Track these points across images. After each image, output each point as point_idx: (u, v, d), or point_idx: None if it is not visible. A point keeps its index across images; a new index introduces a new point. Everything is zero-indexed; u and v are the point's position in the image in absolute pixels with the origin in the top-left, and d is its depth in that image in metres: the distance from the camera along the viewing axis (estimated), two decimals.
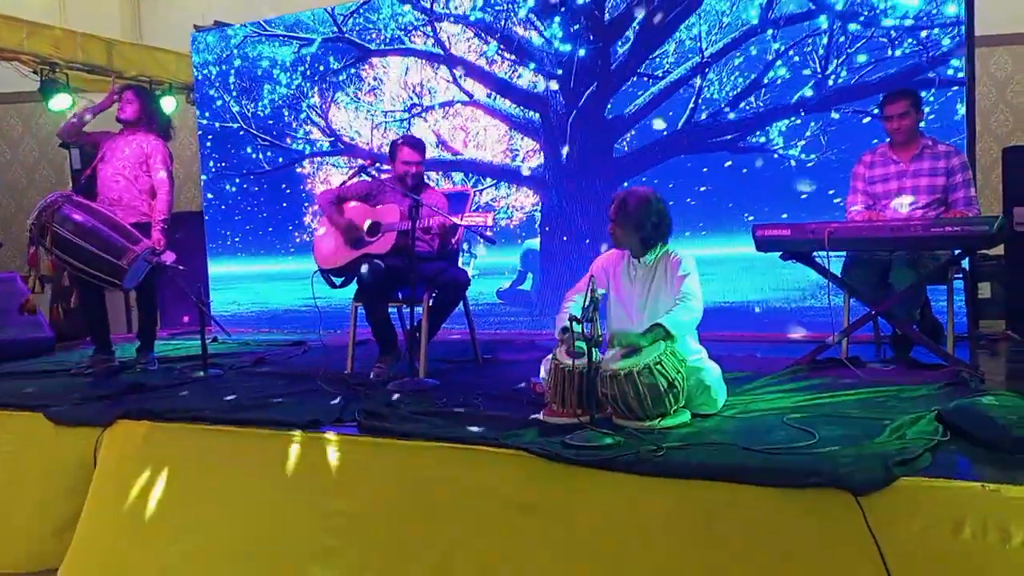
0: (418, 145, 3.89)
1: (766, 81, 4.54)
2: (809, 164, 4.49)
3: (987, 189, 5.23)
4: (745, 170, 4.65)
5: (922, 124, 3.66)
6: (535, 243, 5.22)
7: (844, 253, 3.53)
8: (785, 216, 4.42)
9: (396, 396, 3.14)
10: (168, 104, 6.14)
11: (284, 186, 6.00)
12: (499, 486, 2.31)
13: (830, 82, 4.41)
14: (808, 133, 4.48)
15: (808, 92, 4.44)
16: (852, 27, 4.33)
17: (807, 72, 4.45)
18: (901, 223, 3.26)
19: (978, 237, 3.06)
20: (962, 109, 4.15)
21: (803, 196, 4.52)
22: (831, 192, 4.37)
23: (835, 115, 4.41)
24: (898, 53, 4.26)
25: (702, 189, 4.76)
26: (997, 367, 3.44)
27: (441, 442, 2.46)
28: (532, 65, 5.10)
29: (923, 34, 4.20)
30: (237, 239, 6.21)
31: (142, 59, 6.17)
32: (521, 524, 2.24)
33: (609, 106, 4.94)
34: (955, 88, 4.16)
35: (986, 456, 2.06)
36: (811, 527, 1.94)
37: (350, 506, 2.48)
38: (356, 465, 2.54)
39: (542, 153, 5.17)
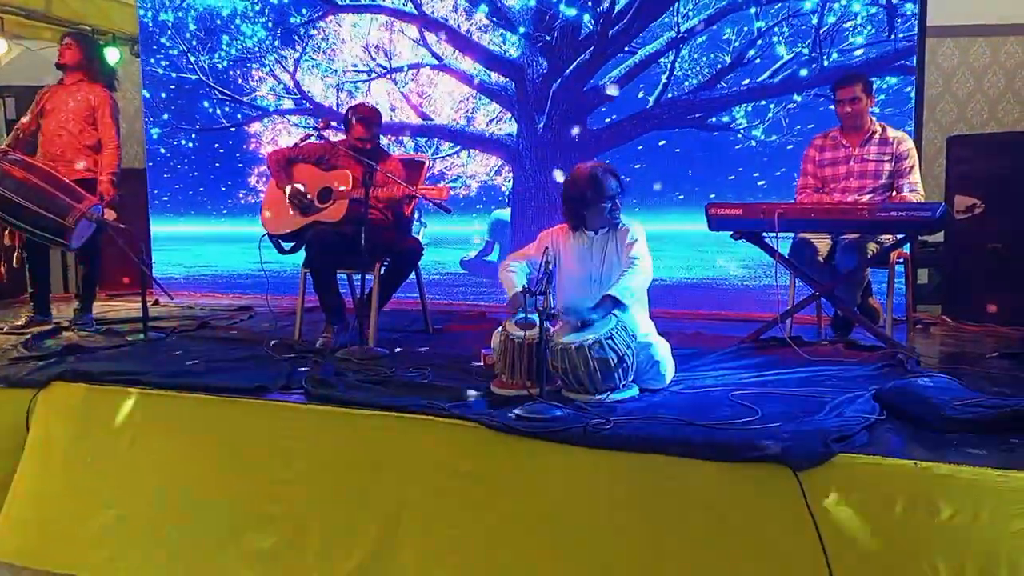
0: (371, 120, 3.77)
1: (745, 61, 4.55)
2: (774, 145, 4.56)
3: (930, 177, 5.37)
4: (739, 147, 4.67)
5: (876, 111, 3.73)
6: (504, 213, 5.18)
7: (792, 234, 3.60)
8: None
9: (344, 364, 3.10)
10: (112, 55, 5.88)
11: (234, 144, 5.82)
12: (446, 456, 2.31)
13: (816, 64, 4.42)
14: (770, 115, 4.53)
15: (798, 73, 4.44)
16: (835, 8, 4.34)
17: (783, 53, 4.47)
18: (848, 206, 3.33)
19: (921, 223, 3.15)
20: (913, 97, 4.25)
21: (761, 182, 4.59)
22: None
23: (797, 97, 4.47)
24: (859, 40, 4.32)
25: (666, 165, 4.78)
26: (932, 350, 3.57)
27: (388, 411, 2.44)
28: (522, 29, 4.95)
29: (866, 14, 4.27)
30: (183, 198, 6.00)
31: (83, 6, 5.89)
32: (467, 493, 2.25)
33: (600, 78, 4.87)
34: (902, 78, 4.25)
35: (919, 435, 2.14)
36: (751, 500, 2.00)
37: (293, 474, 2.45)
38: (301, 433, 2.51)
39: (515, 122, 5.09)
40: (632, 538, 2.08)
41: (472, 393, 2.60)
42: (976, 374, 2.87)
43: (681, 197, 4.75)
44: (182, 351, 3.45)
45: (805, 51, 4.42)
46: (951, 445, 2.02)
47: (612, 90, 4.79)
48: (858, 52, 4.33)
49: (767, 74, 4.52)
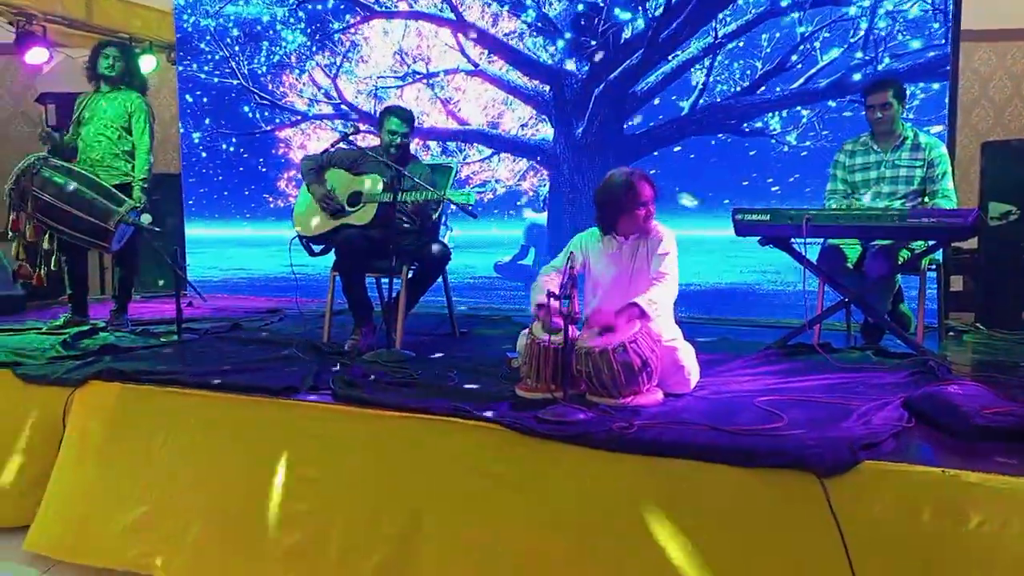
0: (405, 115, 3.84)
1: (788, 66, 4.52)
2: (807, 150, 4.53)
3: (965, 183, 5.30)
4: (754, 152, 4.67)
5: (910, 116, 3.69)
6: (539, 218, 5.20)
7: (821, 240, 3.57)
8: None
9: (371, 366, 3.13)
10: (148, 63, 6.03)
11: (270, 148, 5.91)
12: (470, 458, 2.33)
13: (869, 67, 4.36)
14: (804, 121, 4.51)
15: (850, 77, 4.38)
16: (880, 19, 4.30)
17: (826, 58, 4.44)
18: (878, 212, 3.30)
19: (953, 229, 3.10)
20: (947, 103, 4.20)
21: (774, 188, 4.56)
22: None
23: (831, 103, 4.44)
24: (890, 45, 4.28)
25: (705, 170, 4.76)
26: (963, 358, 3.51)
27: (413, 413, 2.47)
28: (568, 35, 4.95)
29: (898, 24, 4.22)
30: (220, 201, 6.11)
31: (123, 14, 6.04)
32: (490, 495, 2.26)
33: (640, 83, 4.86)
34: (938, 84, 4.20)
35: (948, 443, 2.11)
36: (775, 507, 1.98)
37: (319, 473, 2.49)
38: (328, 433, 2.55)
39: (551, 127, 5.10)
40: (655, 542, 2.07)
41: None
42: (1008, 383, 2.82)
43: (727, 202, 4.70)
44: (214, 352, 3.52)
45: (859, 54, 4.35)
46: (980, 453, 1.99)
47: (646, 89, 4.77)
48: (898, 58, 4.28)
49: (805, 80, 4.47)
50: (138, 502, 2.67)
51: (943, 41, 4.18)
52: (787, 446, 2.06)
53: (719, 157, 4.71)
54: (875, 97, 3.56)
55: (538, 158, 5.15)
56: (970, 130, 5.77)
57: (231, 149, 5.98)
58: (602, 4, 4.83)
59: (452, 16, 5.26)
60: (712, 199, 4.72)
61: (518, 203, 5.25)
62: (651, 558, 2.06)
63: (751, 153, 4.63)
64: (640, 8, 4.76)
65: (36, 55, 5.51)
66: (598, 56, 4.87)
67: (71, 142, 4.23)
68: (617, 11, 4.81)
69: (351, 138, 3.70)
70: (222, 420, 2.71)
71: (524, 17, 5.06)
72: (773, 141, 4.57)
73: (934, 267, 3.65)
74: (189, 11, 5.99)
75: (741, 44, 4.60)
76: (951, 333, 4.05)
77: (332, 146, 3.84)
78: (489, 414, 2.39)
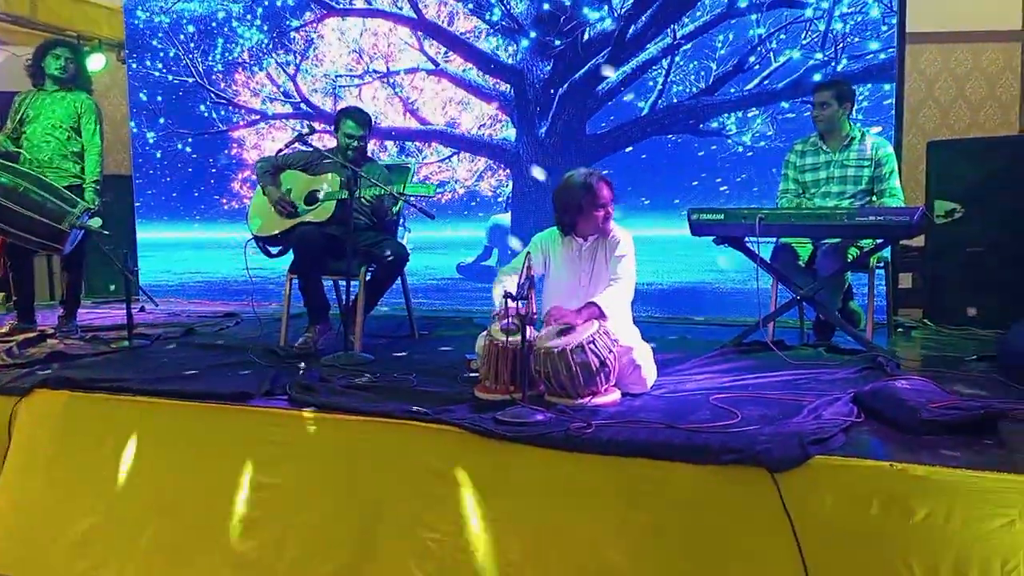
0: (361, 119, 3.80)
1: (745, 67, 4.57)
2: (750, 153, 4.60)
3: (911, 182, 5.43)
4: (702, 152, 4.72)
5: (859, 116, 3.77)
6: (502, 218, 5.19)
7: (774, 239, 3.63)
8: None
9: (329, 370, 3.10)
10: (97, 61, 5.89)
11: (224, 149, 5.81)
12: (429, 460, 2.32)
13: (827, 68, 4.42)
14: (758, 122, 4.58)
15: (809, 78, 4.41)
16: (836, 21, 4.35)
17: (784, 59, 4.50)
18: (828, 211, 3.37)
19: (899, 227, 3.18)
20: (893, 103, 4.31)
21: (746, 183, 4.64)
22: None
23: (785, 104, 4.52)
24: (840, 47, 4.37)
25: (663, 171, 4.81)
26: (912, 353, 3.60)
27: (371, 416, 2.45)
28: (533, 35, 4.94)
29: (847, 27, 4.32)
30: (173, 203, 5.98)
31: (70, 12, 5.89)
32: (449, 497, 2.26)
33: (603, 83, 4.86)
34: (885, 85, 4.31)
35: (896, 437, 2.16)
36: (729, 502, 2.02)
37: (275, 479, 2.46)
38: (284, 439, 2.51)
39: (513, 126, 5.10)
40: (613, 540, 2.09)
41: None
42: (954, 377, 2.90)
43: (677, 202, 4.76)
44: (166, 358, 3.45)
45: (819, 55, 4.41)
46: (927, 447, 2.05)
47: (608, 90, 4.79)
48: (851, 60, 4.37)
49: (761, 81, 4.55)
50: (87, 513, 2.61)
51: (891, 44, 4.28)
52: (740, 443, 2.09)
53: (668, 157, 4.77)
54: (816, 96, 3.67)
55: (503, 158, 5.14)
56: (917, 130, 5.91)
57: (187, 150, 5.87)
58: (568, 3, 4.84)
59: (412, 14, 5.23)
60: (662, 199, 4.78)
61: (473, 204, 5.24)
62: (609, 556, 2.08)
63: (700, 154, 4.70)
64: (607, 7, 4.79)
65: None
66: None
67: (4, 145, 4.07)
68: (585, 10, 4.82)
69: (307, 138, 3.66)
70: (174, 428, 2.66)
71: (487, 16, 5.06)
72: (730, 141, 4.64)
73: (882, 265, 3.74)
74: (140, 7, 5.86)
75: (687, 47, 4.66)
76: (900, 329, 4.16)
77: (287, 146, 3.79)
78: (447, 416, 2.38)
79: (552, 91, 4.96)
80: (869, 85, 4.32)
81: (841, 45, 4.37)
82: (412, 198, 3.56)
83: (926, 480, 1.89)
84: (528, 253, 2.67)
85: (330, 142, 4.01)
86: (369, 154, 4.04)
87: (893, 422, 2.25)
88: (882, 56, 4.29)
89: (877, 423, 2.28)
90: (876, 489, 1.91)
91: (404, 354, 3.52)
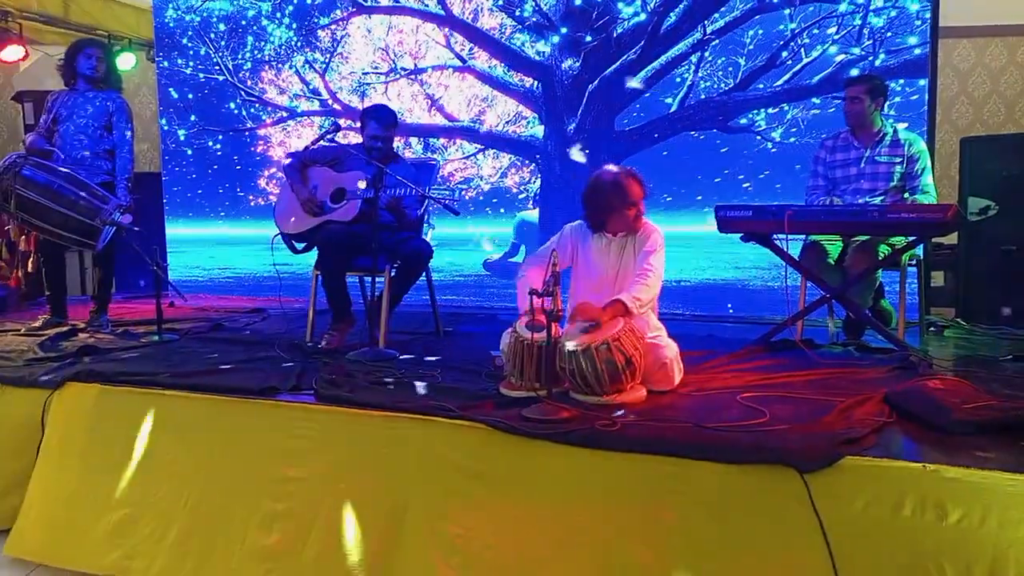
0: (386, 120, 3.80)
1: (778, 63, 4.52)
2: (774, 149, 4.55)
3: (945, 179, 5.35)
4: (726, 149, 4.69)
5: (891, 112, 3.71)
6: (530, 215, 5.18)
7: (803, 236, 3.58)
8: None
9: (354, 366, 3.12)
10: (127, 60, 5.96)
11: (252, 146, 5.86)
12: (453, 457, 2.32)
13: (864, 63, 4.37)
14: (788, 117, 4.53)
15: (844, 72, 4.34)
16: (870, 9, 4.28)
17: (816, 54, 4.44)
18: (858, 208, 3.32)
19: (932, 224, 3.13)
20: (926, 99, 4.23)
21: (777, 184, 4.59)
22: None
23: (816, 100, 4.46)
24: (873, 42, 4.31)
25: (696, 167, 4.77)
26: (945, 352, 3.54)
27: (396, 412, 2.45)
28: (564, 30, 4.90)
29: (880, 22, 4.25)
30: (199, 199, 6.05)
31: (101, 12, 5.97)
32: (473, 494, 2.26)
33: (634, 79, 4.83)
34: (919, 80, 4.24)
35: (929, 438, 2.12)
36: (758, 502, 1.99)
37: (301, 473, 2.47)
38: (310, 433, 2.53)
39: (541, 123, 5.08)
40: (638, 540, 2.07)
41: None
42: (988, 377, 2.84)
43: (700, 198, 4.73)
44: (195, 352, 3.49)
45: (856, 50, 4.35)
46: (960, 448, 2.01)
47: (639, 86, 4.76)
48: (880, 55, 4.30)
49: (792, 76, 4.48)
50: (118, 505, 2.65)
51: (924, 39, 4.21)
52: (769, 442, 2.07)
53: (691, 154, 4.73)
54: (848, 91, 3.62)
55: (530, 154, 5.13)
56: (949, 126, 5.81)
57: (217, 147, 5.93)
58: None
59: (440, 11, 5.24)
60: (684, 195, 4.74)
61: (494, 201, 5.22)
62: (635, 555, 2.06)
63: (723, 150, 4.66)
64: (641, 1, 4.74)
65: (12, 53, 5.44)
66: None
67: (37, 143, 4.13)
68: (621, 5, 4.78)
69: (333, 135, 3.68)
70: (202, 421, 2.68)
71: (517, 12, 5.04)
72: (758, 138, 4.59)
73: (915, 262, 3.68)
74: (170, 6, 5.92)
75: (716, 43, 4.60)
76: (932, 328, 4.09)
77: (314, 143, 3.81)
78: (473, 413, 2.38)
79: (581, 87, 4.93)
80: (902, 81, 4.26)
81: (875, 40, 4.30)
82: (437, 195, 3.56)
83: (960, 482, 1.86)
84: (554, 250, 2.66)
85: (356, 139, 4.02)
86: (396, 151, 4.05)
87: (926, 422, 2.21)
88: (917, 51, 4.22)
89: (909, 423, 2.25)
90: (909, 490, 1.88)
91: (427, 353, 3.52)
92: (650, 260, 2.78)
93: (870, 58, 4.30)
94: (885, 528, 1.87)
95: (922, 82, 4.23)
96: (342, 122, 3.87)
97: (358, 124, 3.96)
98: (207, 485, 2.57)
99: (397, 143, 4.48)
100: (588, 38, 4.86)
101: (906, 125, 4.14)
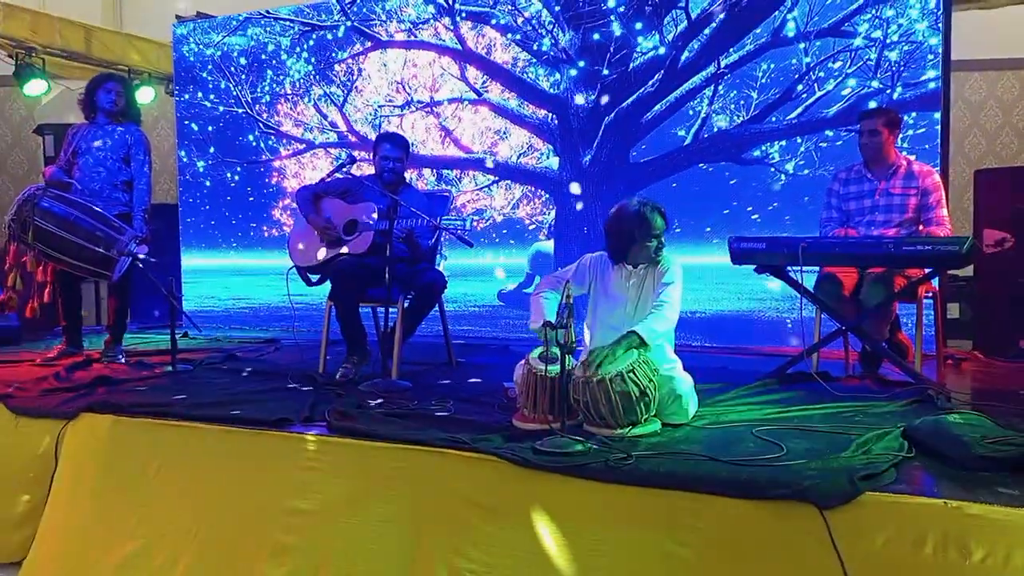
0: (398, 141, 3.87)
1: (793, 96, 4.54)
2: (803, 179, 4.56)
3: (958, 211, 5.33)
4: (734, 181, 4.71)
5: (904, 145, 3.70)
6: (546, 246, 5.21)
7: (817, 268, 3.57)
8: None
9: (367, 397, 3.11)
10: (146, 94, 6.07)
11: (266, 177, 5.93)
12: (467, 490, 2.30)
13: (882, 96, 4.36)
14: (801, 150, 4.54)
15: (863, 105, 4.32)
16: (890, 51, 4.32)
17: (831, 87, 4.47)
18: (873, 240, 3.30)
19: (948, 257, 3.11)
20: (939, 131, 4.23)
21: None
22: None
23: (829, 132, 4.47)
24: (886, 75, 4.33)
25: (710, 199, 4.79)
26: (963, 385, 3.49)
27: (409, 444, 2.44)
28: (582, 63, 4.96)
29: (894, 55, 4.28)
30: (214, 230, 6.12)
31: (122, 47, 6.09)
32: (486, 527, 2.23)
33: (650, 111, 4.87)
34: (933, 113, 4.24)
35: (949, 473, 2.09)
36: (776, 539, 1.96)
37: (312, 505, 2.46)
38: (322, 465, 2.52)
39: (556, 155, 5.12)
40: (653, 575, 2.04)
41: None
42: (1008, 411, 2.80)
43: (709, 230, 4.74)
44: (209, 383, 3.49)
45: (875, 83, 4.36)
46: (982, 484, 1.97)
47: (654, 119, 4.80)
48: (893, 87, 4.32)
49: (804, 109, 4.51)
50: (130, 537, 2.64)
51: (937, 72, 4.22)
52: (786, 477, 2.04)
53: (700, 185, 4.75)
54: (865, 124, 3.60)
55: (546, 186, 5.16)
56: (962, 158, 5.81)
57: (236, 179, 6.00)
58: (618, 33, 4.86)
59: (457, 46, 5.32)
60: (693, 227, 4.75)
61: (504, 232, 5.25)
62: None
63: (732, 182, 4.68)
64: (658, 34, 4.79)
65: (35, 87, 5.55)
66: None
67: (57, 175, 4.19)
68: (640, 40, 4.82)
69: (348, 167, 3.72)
70: (215, 452, 2.68)
71: (535, 46, 5.11)
72: (772, 170, 4.60)
73: (931, 295, 3.65)
74: (190, 39, 6.04)
75: (728, 77, 4.64)
76: (949, 361, 4.04)
77: (328, 175, 3.85)
78: (485, 445, 2.36)
79: (597, 120, 4.98)
80: (915, 113, 4.26)
81: (890, 73, 4.32)
82: (450, 226, 3.58)
83: (983, 519, 1.82)
84: (567, 282, 2.65)
85: (370, 170, 4.07)
86: (408, 182, 4.08)
87: (946, 458, 2.17)
88: (931, 85, 4.22)
89: (929, 459, 2.21)
90: (930, 527, 1.85)
91: (440, 384, 3.51)
92: (668, 291, 2.78)
93: (888, 91, 4.31)
94: (907, 566, 1.84)
95: (936, 115, 4.24)
96: (357, 154, 3.90)
97: (371, 154, 4.00)
98: (218, 517, 2.56)
99: (410, 174, 4.52)
100: (606, 72, 4.91)
101: (915, 157, 4.14)
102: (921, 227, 3.54)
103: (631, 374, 2.50)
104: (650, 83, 4.83)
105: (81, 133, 4.26)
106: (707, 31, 4.68)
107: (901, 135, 3.74)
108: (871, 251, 3.23)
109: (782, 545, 1.95)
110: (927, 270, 3.32)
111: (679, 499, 2.07)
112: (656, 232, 2.79)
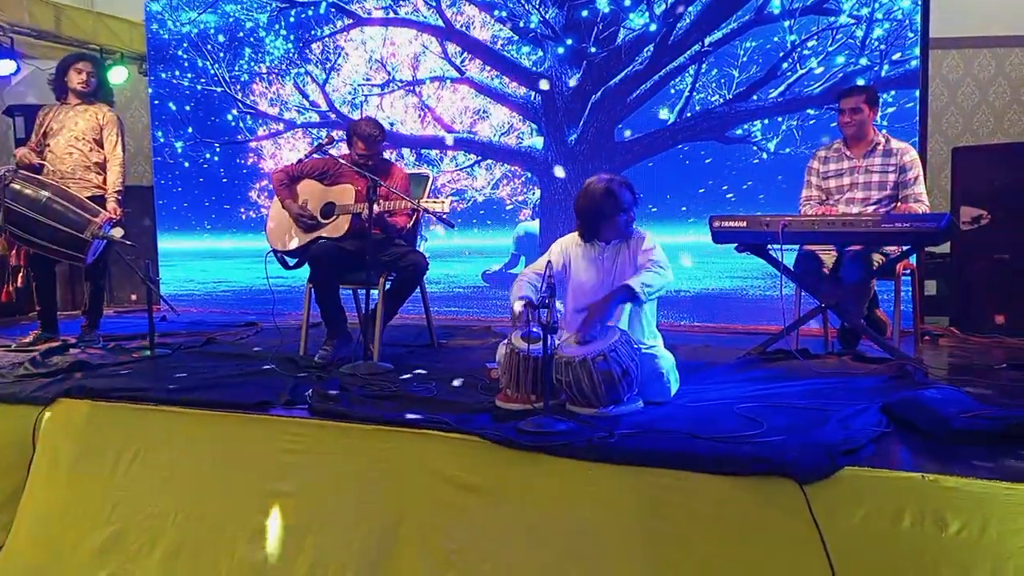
0: (373, 136, 3.73)
1: (778, 74, 4.52)
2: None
3: (936, 189, 5.36)
4: (709, 160, 4.69)
5: (883, 123, 3.72)
6: (531, 226, 5.18)
7: (797, 246, 3.59)
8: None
9: (349, 379, 3.10)
10: (119, 74, 5.95)
11: (242, 158, 5.85)
12: (448, 470, 2.30)
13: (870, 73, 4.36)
14: (783, 128, 4.54)
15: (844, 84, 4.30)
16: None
17: (814, 65, 4.46)
18: (852, 218, 3.32)
19: (926, 234, 3.14)
20: (917, 109, 4.25)
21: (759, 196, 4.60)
22: None
23: (811, 111, 4.47)
24: (866, 53, 4.34)
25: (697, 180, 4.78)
26: (940, 361, 3.54)
27: (391, 426, 2.43)
28: (569, 41, 4.90)
29: (877, 33, 4.28)
30: (190, 212, 6.03)
31: (93, 26, 5.95)
32: (469, 507, 2.24)
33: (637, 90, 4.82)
34: (911, 91, 4.26)
35: (926, 447, 2.12)
36: (757, 514, 1.98)
37: (294, 487, 2.45)
38: (304, 447, 2.51)
39: (540, 134, 5.08)
40: (636, 552, 2.06)
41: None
42: (984, 385, 2.84)
43: (685, 209, 4.75)
44: (187, 367, 3.46)
45: (864, 61, 4.34)
46: (959, 457, 2.00)
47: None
48: (873, 66, 4.31)
49: (798, 85, 4.50)
50: (108, 521, 2.62)
51: (916, 50, 4.23)
52: (767, 453, 2.05)
53: (676, 165, 4.75)
54: (846, 102, 3.60)
55: (530, 165, 5.12)
56: (940, 136, 5.84)
57: (215, 159, 5.91)
58: (608, 9, 4.81)
59: (440, 23, 5.24)
60: (669, 206, 4.75)
61: (481, 213, 5.22)
62: (633, 568, 2.04)
63: (707, 161, 4.68)
64: (649, 12, 4.75)
65: (4, 67, 5.42)
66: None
67: (28, 157, 4.10)
68: (632, 16, 4.77)
69: (326, 148, 3.66)
70: (195, 436, 2.66)
71: (521, 23, 5.05)
72: (755, 148, 4.60)
73: (908, 272, 3.68)
74: (163, 17, 5.91)
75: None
76: (926, 337, 4.09)
77: (306, 156, 3.79)
78: (468, 426, 2.36)
79: (583, 98, 4.94)
80: (893, 91, 4.27)
81: (875, 51, 4.32)
82: (431, 209, 3.54)
83: (959, 492, 1.85)
84: (549, 262, 2.65)
85: (347, 150, 4.01)
86: (387, 160, 4.01)
87: (923, 432, 2.20)
88: (913, 63, 4.23)
89: (907, 433, 2.24)
90: (908, 501, 1.87)
91: (423, 367, 3.49)
92: (654, 254, 2.78)
93: (876, 68, 4.31)
94: (885, 539, 1.86)
95: (915, 93, 4.25)
96: (336, 134, 3.82)
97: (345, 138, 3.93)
98: (197, 501, 2.55)
99: (390, 154, 4.46)
100: (593, 49, 4.87)
101: (892, 135, 4.16)
102: (899, 204, 3.56)
103: (613, 353, 2.50)
104: (639, 60, 4.80)
105: (52, 114, 4.17)
106: (696, 6, 4.65)
107: (880, 113, 3.75)
108: (850, 229, 3.24)
109: (763, 520, 1.97)
110: (905, 247, 3.35)
111: (661, 476, 2.08)
112: (624, 206, 2.79)
